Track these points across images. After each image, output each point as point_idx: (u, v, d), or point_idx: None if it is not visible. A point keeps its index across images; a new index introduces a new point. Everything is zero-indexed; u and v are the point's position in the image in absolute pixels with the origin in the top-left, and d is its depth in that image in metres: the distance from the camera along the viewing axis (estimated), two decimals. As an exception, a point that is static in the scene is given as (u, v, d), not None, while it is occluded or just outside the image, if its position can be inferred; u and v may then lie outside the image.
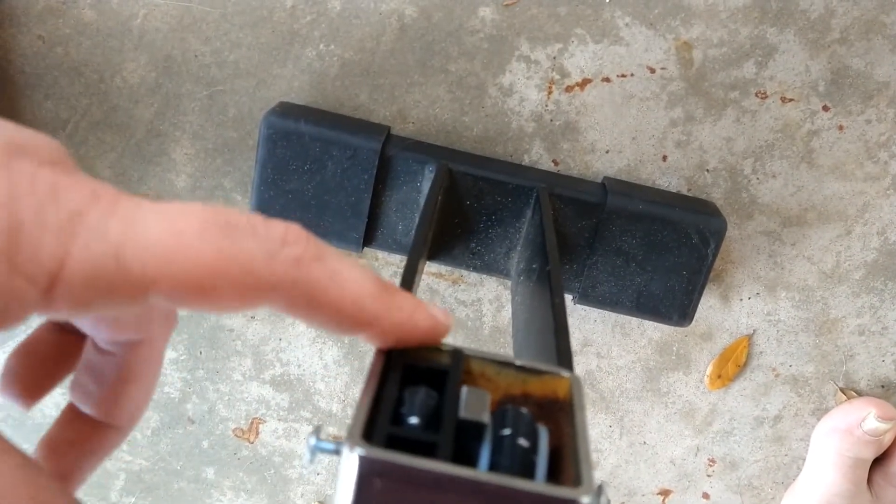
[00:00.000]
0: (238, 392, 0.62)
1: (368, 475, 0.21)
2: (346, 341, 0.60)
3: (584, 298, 0.52)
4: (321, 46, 0.52)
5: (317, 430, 0.24)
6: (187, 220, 0.20)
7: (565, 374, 0.26)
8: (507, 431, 0.24)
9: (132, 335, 0.26)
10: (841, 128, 0.51)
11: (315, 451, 0.24)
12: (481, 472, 0.21)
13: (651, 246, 0.50)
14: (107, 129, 0.55)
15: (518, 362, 0.27)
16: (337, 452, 0.24)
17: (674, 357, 0.58)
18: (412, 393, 0.25)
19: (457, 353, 0.26)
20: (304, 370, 0.61)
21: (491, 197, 0.50)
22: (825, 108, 0.51)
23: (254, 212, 0.50)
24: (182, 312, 0.60)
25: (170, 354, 0.61)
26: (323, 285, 0.22)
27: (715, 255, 0.50)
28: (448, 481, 0.21)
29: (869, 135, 0.51)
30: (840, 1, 0.48)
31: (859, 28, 0.49)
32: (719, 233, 0.49)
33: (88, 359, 0.27)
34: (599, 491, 0.22)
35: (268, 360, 0.61)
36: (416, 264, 0.37)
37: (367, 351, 0.60)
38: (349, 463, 0.21)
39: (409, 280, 0.35)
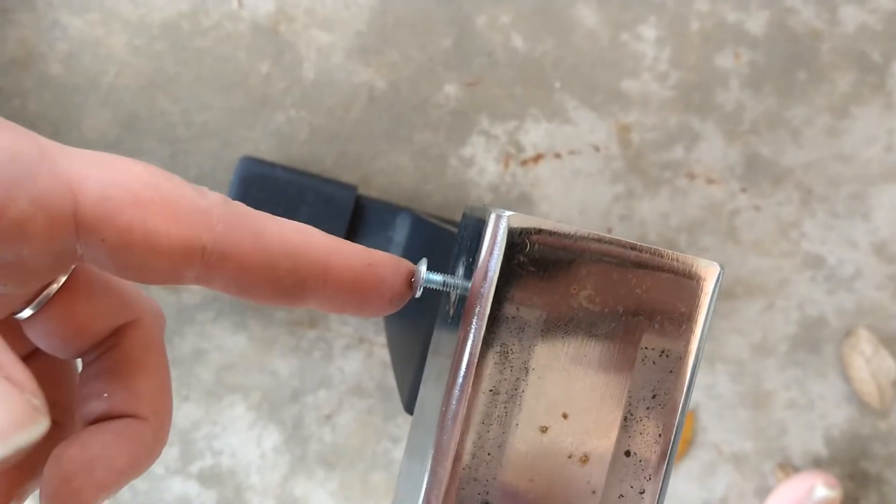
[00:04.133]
0: (156, 490, 0.55)
1: (514, 241, 0.21)
2: (288, 424, 0.56)
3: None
4: (292, 112, 0.54)
5: (424, 262, 0.24)
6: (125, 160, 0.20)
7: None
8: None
9: (115, 319, 0.24)
10: (757, 208, 0.58)
11: (425, 284, 0.23)
12: (620, 238, 0.22)
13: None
14: (53, 185, 0.53)
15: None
16: (445, 286, 0.24)
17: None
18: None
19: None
20: (237, 460, 0.56)
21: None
22: (743, 190, 0.58)
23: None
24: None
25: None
26: (261, 220, 0.20)
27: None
28: (590, 246, 0.21)
29: (781, 215, 0.58)
30: (749, 98, 0.57)
31: (765, 121, 0.58)
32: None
33: (85, 375, 0.24)
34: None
35: (198, 448, 0.55)
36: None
37: (309, 436, 0.56)
38: (496, 231, 0.21)
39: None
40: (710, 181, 0.58)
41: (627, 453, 0.21)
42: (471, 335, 0.21)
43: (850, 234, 0.59)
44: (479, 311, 0.21)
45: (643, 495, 0.22)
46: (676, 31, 0.56)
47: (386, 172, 0.55)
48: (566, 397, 0.21)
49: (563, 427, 0.21)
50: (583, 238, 0.21)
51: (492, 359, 0.21)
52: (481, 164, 0.56)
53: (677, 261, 0.22)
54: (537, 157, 0.56)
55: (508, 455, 0.21)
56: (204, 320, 0.55)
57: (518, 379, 0.21)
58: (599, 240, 0.21)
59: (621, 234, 0.57)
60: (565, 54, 0.56)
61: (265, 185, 0.49)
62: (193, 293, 0.55)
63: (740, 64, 0.57)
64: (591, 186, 0.57)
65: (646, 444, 0.21)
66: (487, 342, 0.21)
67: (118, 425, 0.23)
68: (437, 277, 0.23)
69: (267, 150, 0.54)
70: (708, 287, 0.22)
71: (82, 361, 0.24)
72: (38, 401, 0.16)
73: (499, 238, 0.21)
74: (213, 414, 0.56)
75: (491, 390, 0.21)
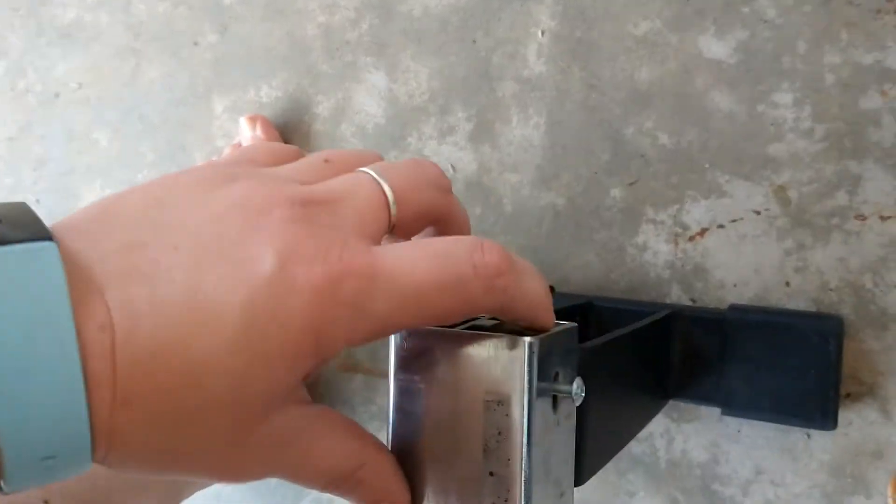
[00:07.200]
0: None
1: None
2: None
3: (728, 408, 0.58)
4: (501, 238, 0.71)
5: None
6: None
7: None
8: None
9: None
10: (949, 234, 0.56)
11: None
12: (460, 330, 0.34)
13: (775, 351, 0.57)
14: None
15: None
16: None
17: (849, 479, 0.59)
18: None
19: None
20: None
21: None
22: (927, 219, 0.57)
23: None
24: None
25: None
26: (518, 302, 0.31)
27: (838, 353, 0.55)
28: (438, 336, 0.34)
29: (979, 236, 0.56)
30: (907, 128, 0.57)
31: (933, 146, 0.57)
32: (835, 329, 0.55)
33: None
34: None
35: None
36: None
37: (561, 492, 0.69)
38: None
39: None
40: (883, 218, 0.58)
41: (491, 473, 0.33)
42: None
43: None
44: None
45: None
46: (813, 89, 0.60)
47: (578, 269, 0.68)
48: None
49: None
50: (433, 333, 0.34)
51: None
52: (654, 247, 0.65)
53: (497, 339, 0.33)
54: (702, 232, 0.63)
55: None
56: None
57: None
58: (443, 333, 0.34)
59: (799, 285, 0.60)
60: (709, 138, 0.63)
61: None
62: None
63: (889, 99, 0.58)
64: (760, 247, 0.62)
65: (501, 466, 0.33)
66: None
67: None
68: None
69: (489, 270, 0.71)
70: (521, 357, 0.33)
71: None
72: None
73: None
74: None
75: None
